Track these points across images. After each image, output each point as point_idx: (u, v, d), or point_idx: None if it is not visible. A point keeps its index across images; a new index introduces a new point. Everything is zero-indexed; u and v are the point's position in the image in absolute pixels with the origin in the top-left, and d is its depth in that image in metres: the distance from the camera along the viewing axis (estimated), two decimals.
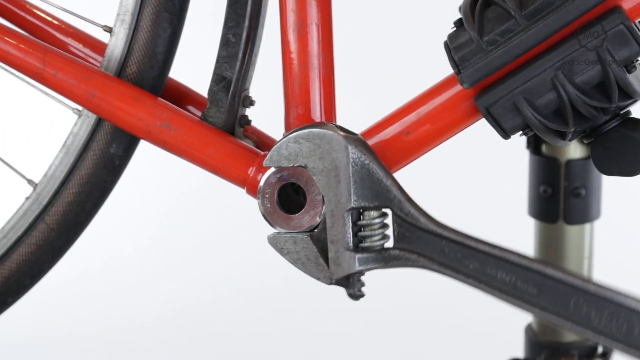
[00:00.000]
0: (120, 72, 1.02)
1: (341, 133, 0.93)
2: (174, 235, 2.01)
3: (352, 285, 0.95)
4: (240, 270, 1.89)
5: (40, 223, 1.10)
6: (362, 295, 0.95)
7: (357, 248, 0.94)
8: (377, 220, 0.94)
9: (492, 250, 0.91)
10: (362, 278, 0.96)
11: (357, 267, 0.94)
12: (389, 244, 0.94)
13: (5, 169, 1.16)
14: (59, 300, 1.76)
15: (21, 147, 1.87)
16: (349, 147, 0.92)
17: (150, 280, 1.87)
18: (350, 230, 0.94)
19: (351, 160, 0.92)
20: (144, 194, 2.10)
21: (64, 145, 1.07)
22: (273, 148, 0.94)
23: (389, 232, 0.94)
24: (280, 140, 0.94)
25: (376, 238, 0.94)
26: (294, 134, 0.93)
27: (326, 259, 0.95)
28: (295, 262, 0.95)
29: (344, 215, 0.93)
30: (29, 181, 1.12)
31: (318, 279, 0.95)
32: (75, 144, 1.06)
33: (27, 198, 1.11)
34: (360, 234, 0.94)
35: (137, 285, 1.85)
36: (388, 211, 0.94)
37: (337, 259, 0.94)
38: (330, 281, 0.95)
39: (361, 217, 0.94)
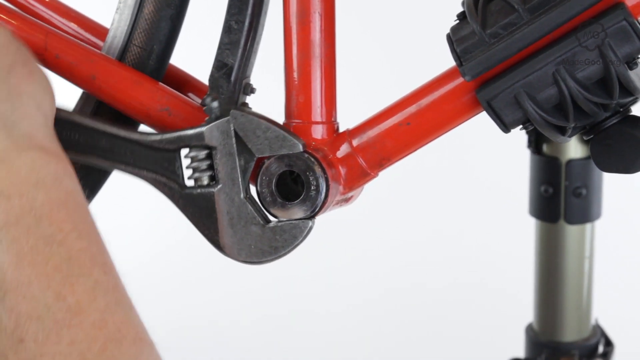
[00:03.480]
0: (134, 23, 1.02)
1: None
2: (178, 242, 2.01)
3: None
4: (243, 273, 1.89)
5: None
6: None
7: None
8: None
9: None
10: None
11: None
12: None
13: None
14: None
15: None
16: None
17: (153, 290, 1.87)
18: None
19: None
20: (146, 197, 2.09)
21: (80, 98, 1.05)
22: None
23: None
24: None
25: None
26: None
27: None
28: None
29: None
30: None
31: None
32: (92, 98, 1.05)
33: None
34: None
35: (139, 295, 1.84)
36: None
37: None
38: None
39: None
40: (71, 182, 0.79)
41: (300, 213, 0.94)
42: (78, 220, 0.76)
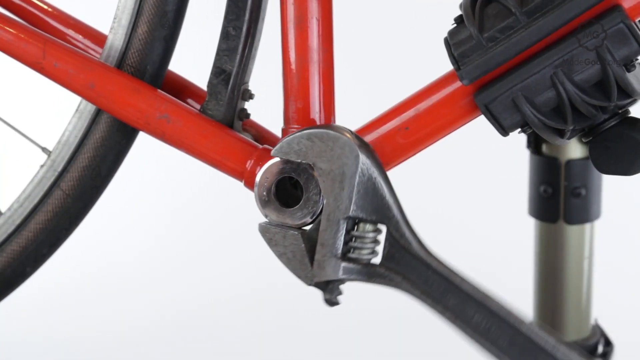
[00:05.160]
0: (131, 34, 1.02)
1: (355, 141, 0.92)
2: (175, 238, 2.01)
3: (330, 291, 0.95)
4: (240, 272, 1.89)
5: (56, 190, 1.09)
6: (337, 303, 0.96)
7: (344, 257, 0.94)
8: (371, 235, 0.94)
9: (474, 292, 0.93)
10: (342, 287, 0.96)
11: (340, 275, 0.94)
12: (377, 260, 0.95)
13: (19, 138, 1.15)
14: (59, 303, 1.75)
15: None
16: (360, 157, 0.92)
17: (150, 284, 1.86)
18: (342, 237, 0.93)
19: (360, 170, 0.92)
20: (145, 197, 2.09)
21: (77, 110, 1.06)
22: (284, 140, 0.94)
23: (379, 248, 0.95)
24: (293, 134, 0.93)
25: (365, 251, 0.94)
26: (309, 131, 0.93)
27: (311, 260, 0.94)
28: (280, 255, 0.95)
29: (339, 222, 0.93)
30: (43, 149, 1.11)
31: (299, 277, 0.95)
32: (89, 109, 1.05)
33: (42, 166, 1.10)
34: (351, 244, 0.94)
35: (137, 289, 1.84)
36: (383, 228, 0.94)
37: (323, 262, 0.94)
38: (310, 282, 0.95)
39: (356, 227, 0.94)
40: None
41: (302, 218, 0.95)
42: None
